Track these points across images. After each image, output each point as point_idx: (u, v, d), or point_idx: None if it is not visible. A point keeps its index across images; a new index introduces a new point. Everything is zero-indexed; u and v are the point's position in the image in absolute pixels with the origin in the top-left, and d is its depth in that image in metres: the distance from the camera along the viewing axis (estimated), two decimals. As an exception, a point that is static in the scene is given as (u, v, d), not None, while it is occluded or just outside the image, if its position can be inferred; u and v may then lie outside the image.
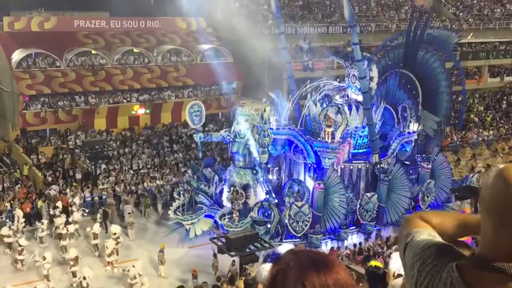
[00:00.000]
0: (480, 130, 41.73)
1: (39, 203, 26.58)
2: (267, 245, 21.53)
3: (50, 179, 29.50)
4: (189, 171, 27.15)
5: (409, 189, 25.75)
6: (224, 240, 20.89)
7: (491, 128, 42.43)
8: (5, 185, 28.74)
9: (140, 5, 38.54)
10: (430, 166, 27.08)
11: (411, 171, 27.48)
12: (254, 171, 25.01)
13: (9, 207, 26.26)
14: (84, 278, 20.02)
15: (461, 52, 48.15)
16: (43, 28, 36.50)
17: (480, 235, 1.89)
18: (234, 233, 22.18)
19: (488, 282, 1.75)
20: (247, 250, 20.28)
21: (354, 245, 23.94)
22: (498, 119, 44.81)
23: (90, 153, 29.83)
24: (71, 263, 21.39)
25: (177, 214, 24.78)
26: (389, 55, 30.08)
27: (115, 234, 23.12)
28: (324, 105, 25.28)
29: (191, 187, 25.75)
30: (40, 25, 36.52)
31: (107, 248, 22.50)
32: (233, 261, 21.03)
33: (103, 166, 30.95)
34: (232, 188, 24.67)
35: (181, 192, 25.56)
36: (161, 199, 28.50)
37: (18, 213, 24.82)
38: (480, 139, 39.92)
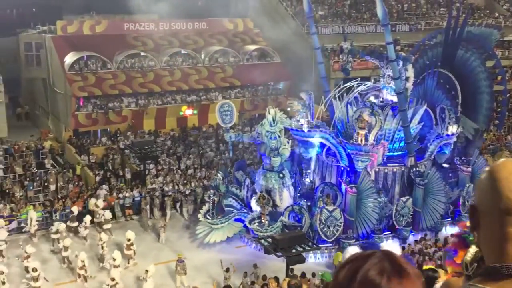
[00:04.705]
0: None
1: (90, 202, 27.30)
2: (314, 246, 21.51)
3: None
4: (218, 174, 27.03)
5: (445, 194, 24.98)
6: (270, 241, 21.01)
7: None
8: (58, 184, 29.75)
9: (188, 7, 39.07)
10: (470, 169, 26.21)
11: (450, 175, 26.74)
12: (281, 175, 24.65)
13: (62, 206, 27.17)
14: (113, 279, 19.93)
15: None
16: (94, 31, 37.51)
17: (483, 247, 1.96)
18: (281, 233, 22.28)
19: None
20: (294, 250, 20.31)
21: (403, 247, 23.43)
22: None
23: (139, 153, 30.53)
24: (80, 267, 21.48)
25: (207, 218, 24.77)
26: (427, 54, 29.37)
27: (129, 240, 23.06)
28: (354, 108, 24.78)
29: (219, 192, 25.62)
30: (92, 28, 37.55)
31: (115, 259, 21.54)
32: (245, 272, 20.88)
33: (152, 165, 31.61)
34: (259, 193, 24.45)
35: (211, 196, 25.51)
36: (191, 202, 28.56)
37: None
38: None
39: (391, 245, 23.04)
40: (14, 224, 25.85)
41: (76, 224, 25.57)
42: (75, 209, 25.97)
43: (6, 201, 27.43)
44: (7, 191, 28.63)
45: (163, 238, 25.44)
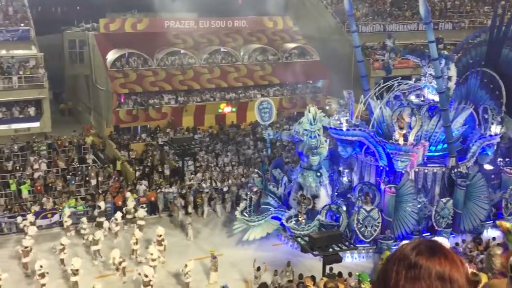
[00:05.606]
0: None
1: (130, 197, 27.68)
2: (351, 246, 21.33)
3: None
4: (256, 172, 26.86)
5: (488, 201, 24.45)
6: (307, 239, 20.96)
7: None
8: (99, 179, 30.31)
9: (228, 5, 39.33)
10: None
11: (493, 176, 26.09)
12: (318, 174, 24.49)
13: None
14: (146, 276, 19.91)
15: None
16: (136, 29, 38.06)
17: None
18: (318, 232, 22.19)
19: None
20: (330, 250, 20.17)
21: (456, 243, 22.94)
22: None
23: (178, 149, 30.86)
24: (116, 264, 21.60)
25: (244, 215, 24.82)
26: (470, 53, 28.80)
27: (160, 236, 23.11)
28: (388, 109, 24.44)
29: (257, 189, 25.54)
30: (133, 26, 38.10)
31: (152, 254, 21.69)
32: (275, 271, 20.78)
33: (190, 162, 31.88)
34: (300, 192, 24.32)
35: (248, 193, 25.53)
36: (229, 199, 28.79)
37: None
38: None
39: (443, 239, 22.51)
40: (56, 217, 26.51)
41: (103, 219, 25.85)
42: (102, 205, 26.41)
43: (49, 195, 28.14)
44: (50, 184, 29.33)
45: (191, 235, 25.60)
